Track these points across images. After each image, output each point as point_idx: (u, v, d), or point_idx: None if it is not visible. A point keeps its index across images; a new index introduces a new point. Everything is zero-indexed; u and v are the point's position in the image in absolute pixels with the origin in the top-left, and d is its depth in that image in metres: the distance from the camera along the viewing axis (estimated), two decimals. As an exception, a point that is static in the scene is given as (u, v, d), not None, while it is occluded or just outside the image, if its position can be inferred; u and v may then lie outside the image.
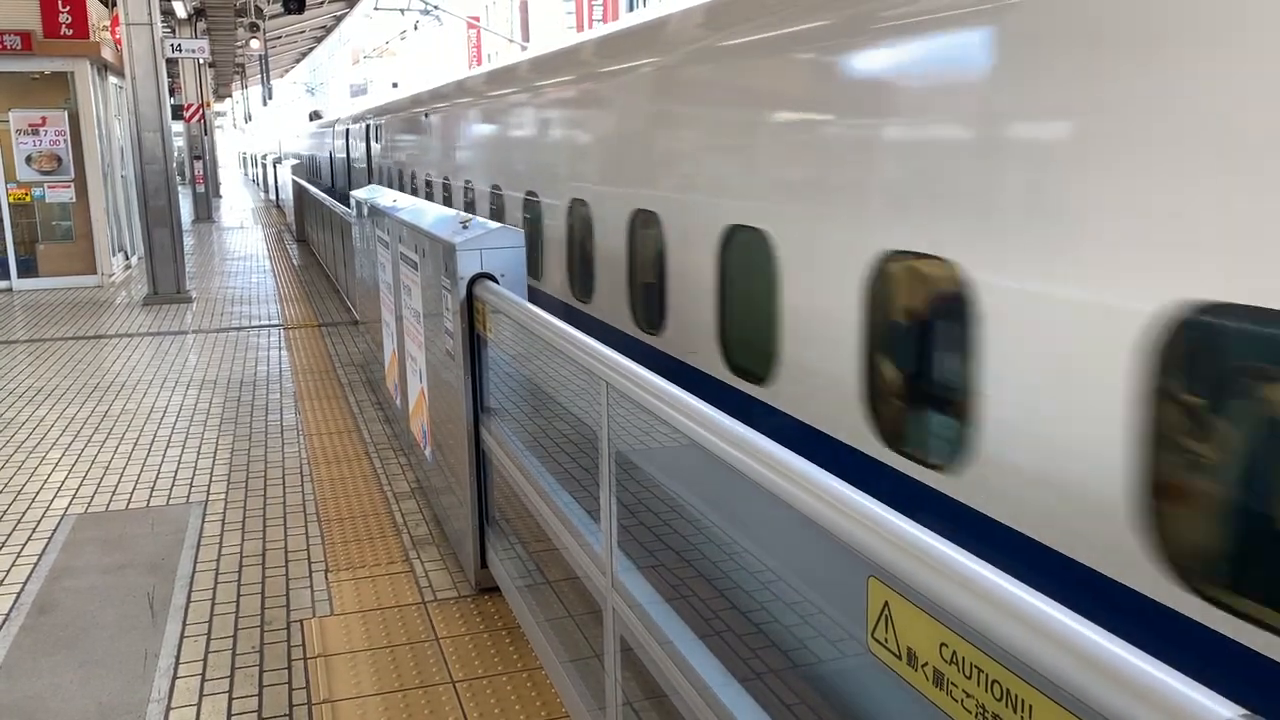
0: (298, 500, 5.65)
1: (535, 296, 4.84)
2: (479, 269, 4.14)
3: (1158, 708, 1.03)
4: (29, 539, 5.17)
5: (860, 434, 3.57)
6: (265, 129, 52.20)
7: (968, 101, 3.04)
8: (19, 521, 5.42)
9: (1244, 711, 0.97)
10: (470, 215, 4.65)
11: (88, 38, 13.89)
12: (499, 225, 4.30)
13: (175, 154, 15.31)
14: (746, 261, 4.43)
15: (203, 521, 5.36)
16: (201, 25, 24.51)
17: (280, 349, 9.91)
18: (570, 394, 3.51)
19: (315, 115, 34.12)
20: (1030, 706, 1.24)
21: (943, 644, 1.40)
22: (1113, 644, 1.12)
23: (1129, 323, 2.45)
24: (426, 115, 11.95)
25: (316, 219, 15.99)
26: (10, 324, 11.68)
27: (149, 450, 6.65)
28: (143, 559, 4.88)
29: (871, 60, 3.56)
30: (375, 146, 16.83)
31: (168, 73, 15.90)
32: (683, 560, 2.94)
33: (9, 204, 14.13)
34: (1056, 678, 1.16)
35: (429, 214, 5.33)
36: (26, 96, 14.13)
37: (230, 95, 58.06)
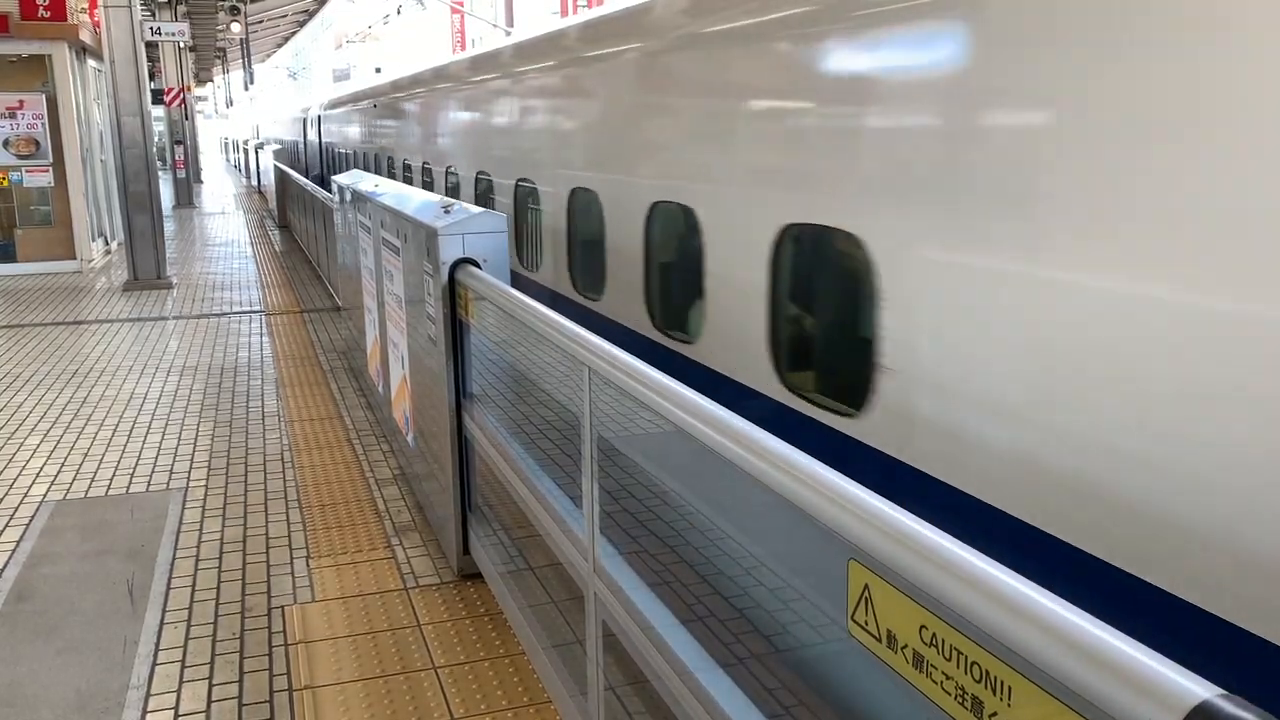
0: (279, 487, 5.63)
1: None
2: (461, 254, 4.12)
3: (1136, 688, 1.03)
4: (6, 525, 5.12)
5: None
6: (264, 106, 51.44)
7: None
8: (-3, 508, 5.38)
9: (1221, 690, 0.97)
10: (453, 200, 4.62)
11: (65, 20, 13.72)
12: (481, 210, 4.27)
13: (156, 139, 15.16)
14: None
15: (183, 508, 5.33)
16: (182, 8, 24.24)
17: (262, 335, 9.85)
18: (553, 380, 3.51)
19: None
20: (1009, 688, 1.24)
21: (922, 626, 1.40)
22: (1092, 625, 1.12)
23: None
24: None
25: (298, 204, 15.90)
26: (-12, 309, 11.57)
27: (129, 436, 6.60)
28: (122, 545, 4.85)
29: None
30: None
31: (148, 56, 15.75)
32: (665, 546, 2.94)
33: (-14, 188, 14.00)
34: (1035, 659, 1.16)
35: (411, 199, 5.29)
36: (3, 79, 13.94)
37: (211, 80, 57.56)
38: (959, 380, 2.94)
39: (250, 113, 58.80)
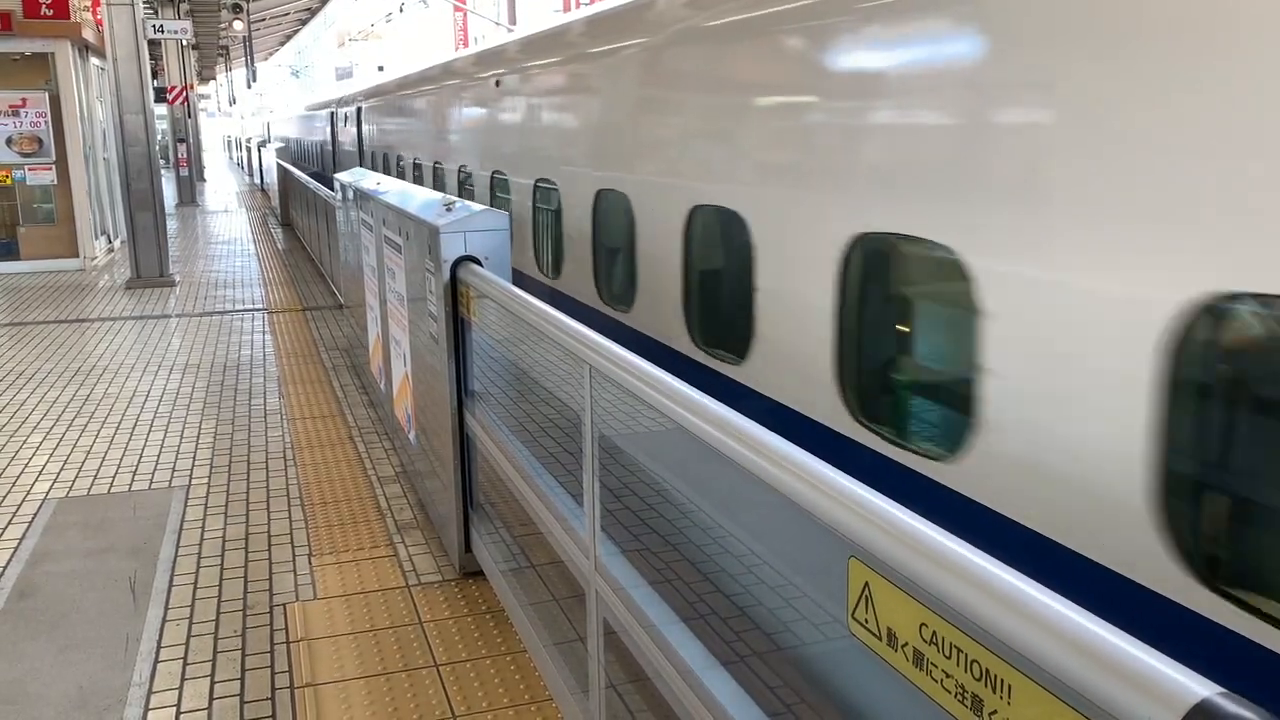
0: (281, 484, 5.63)
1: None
2: (463, 252, 4.12)
3: (1137, 686, 1.03)
4: (9, 523, 5.13)
5: None
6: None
7: None
8: (-1, 505, 5.39)
9: (1221, 689, 0.97)
10: (455, 198, 4.62)
11: (68, 18, 13.73)
12: (483, 208, 4.28)
13: (159, 137, 15.16)
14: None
15: (185, 506, 5.33)
16: (184, 6, 24.25)
17: (264, 333, 9.85)
18: (555, 377, 3.51)
19: None
20: (1009, 686, 1.24)
21: (923, 624, 1.40)
22: (1091, 623, 1.12)
23: None
24: None
25: (301, 203, 15.89)
26: (-9, 307, 11.58)
27: (131, 434, 6.60)
28: (124, 543, 4.86)
29: None
30: None
31: (150, 54, 15.76)
32: (666, 544, 2.94)
33: (-11, 186, 14.01)
34: (1035, 657, 1.15)
35: (413, 197, 5.29)
36: (7, 78, 13.95)
37: (214, 78, 57.61)
38: (807, 328, 3.75)
39: (259, 109, 58.63)
